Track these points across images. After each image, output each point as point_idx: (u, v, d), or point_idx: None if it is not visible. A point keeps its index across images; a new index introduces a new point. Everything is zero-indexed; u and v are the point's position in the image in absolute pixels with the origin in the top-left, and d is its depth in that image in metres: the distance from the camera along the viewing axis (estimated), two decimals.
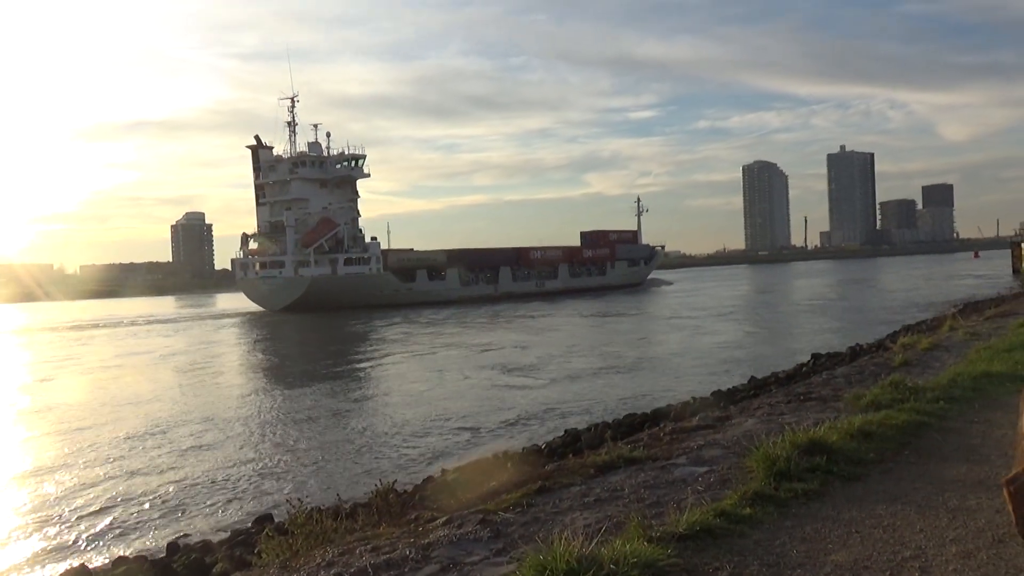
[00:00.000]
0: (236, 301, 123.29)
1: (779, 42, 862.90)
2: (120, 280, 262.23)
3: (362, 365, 43.22)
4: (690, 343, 46.07)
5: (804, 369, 31.16)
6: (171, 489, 21.27)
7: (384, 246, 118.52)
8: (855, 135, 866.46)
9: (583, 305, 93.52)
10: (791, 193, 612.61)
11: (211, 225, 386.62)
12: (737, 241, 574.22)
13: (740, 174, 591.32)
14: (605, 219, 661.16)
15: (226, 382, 39.91)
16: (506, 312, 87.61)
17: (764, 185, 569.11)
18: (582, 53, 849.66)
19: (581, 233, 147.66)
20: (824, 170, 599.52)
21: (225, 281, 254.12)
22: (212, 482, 21.87)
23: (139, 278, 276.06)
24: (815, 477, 10.72)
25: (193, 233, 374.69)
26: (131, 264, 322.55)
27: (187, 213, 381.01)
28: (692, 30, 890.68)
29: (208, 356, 53.03)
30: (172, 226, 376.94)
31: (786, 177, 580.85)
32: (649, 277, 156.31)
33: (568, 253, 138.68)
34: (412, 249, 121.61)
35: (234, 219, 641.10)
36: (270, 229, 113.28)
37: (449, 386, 34.42)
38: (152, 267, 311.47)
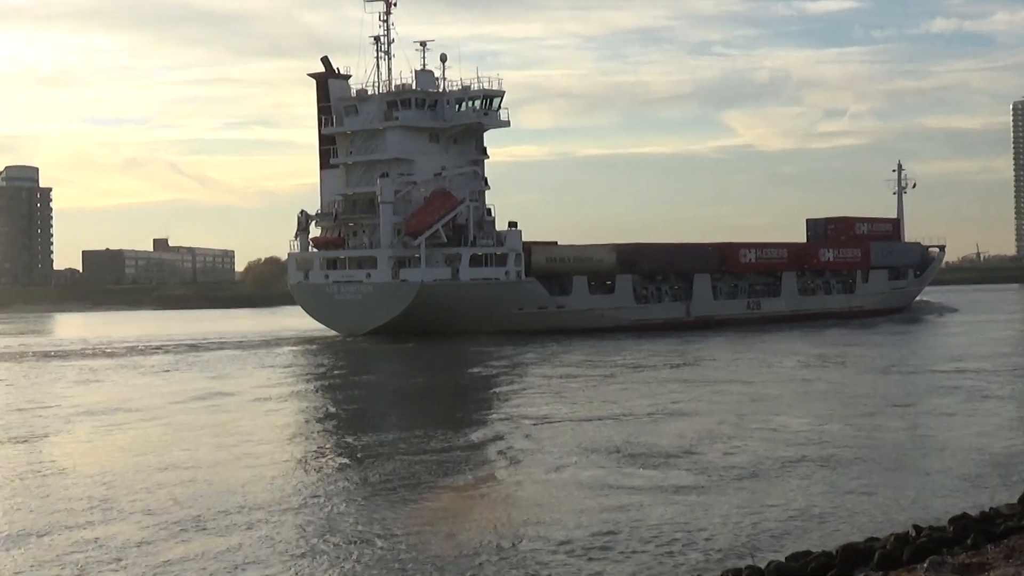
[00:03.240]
0: (274, 320, 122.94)
1: None
2: None
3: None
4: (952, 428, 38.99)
5: None
6: None
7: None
8: None
9: (833, 347, 78.85)
10: None
11: (49, 190, 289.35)
12: (1000, 239, 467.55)
13: (1009, 116, 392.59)
14: (764, 195, 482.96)
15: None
16: (720, 350, 77.10)
17: None
18: None
19: (809, 221, 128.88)
20: None
21: (74, 291, 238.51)
22: None
23: None
24: None
25: (17, 204, 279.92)
26: None
27: (7, 168, 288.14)
28: None
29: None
30: None
31: None
32: (918, 298, 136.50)
33: (797, 255, 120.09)
34: (558, 243, 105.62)
35: (94, 181, 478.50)
36: (347, 207, 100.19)
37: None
38: None
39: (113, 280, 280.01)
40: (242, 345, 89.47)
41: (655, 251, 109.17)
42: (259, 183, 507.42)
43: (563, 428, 39.37)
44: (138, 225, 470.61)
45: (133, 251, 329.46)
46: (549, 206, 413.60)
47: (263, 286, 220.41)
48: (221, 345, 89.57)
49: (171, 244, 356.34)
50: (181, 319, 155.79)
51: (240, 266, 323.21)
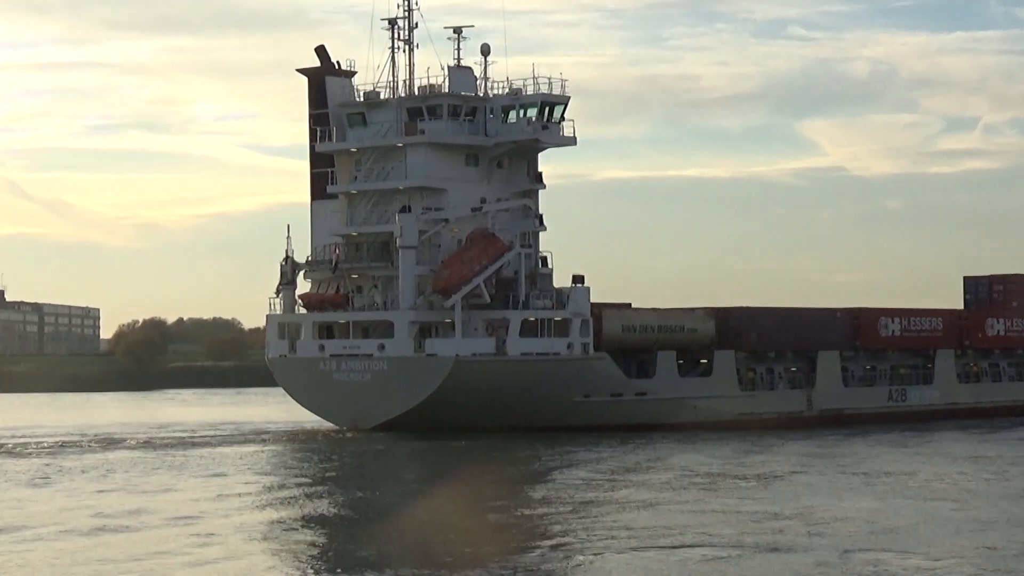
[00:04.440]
0: (158, 409, 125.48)
1: None
2: None
3: None
4: None
5: None
6: None
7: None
8: None
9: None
10: None
11: None
12: None
13: None
14: (859, 238, 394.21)
15: None
16: (879, 459, 73.46)
17: None
18: None
19: (969, 281, 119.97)
20: None
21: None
22: None
23: None
24: None
25: None
26: None
27: None
28: None
29: None
30: None
31: None
32: None
33: (954, 326, 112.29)
34: (633, 305, 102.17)
35: None
36: (351, 252, 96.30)
37: None
38: None
39: None
40: (186, 442, 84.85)
41: (767, 319, 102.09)
42: (138, 213, 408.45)
43: None
44: None
45: None
46: (571, 247, 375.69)
47: (140, 360, 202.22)
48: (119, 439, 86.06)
49: (9, 298, 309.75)
50: (22, 404, 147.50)
51: (107, 331, 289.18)
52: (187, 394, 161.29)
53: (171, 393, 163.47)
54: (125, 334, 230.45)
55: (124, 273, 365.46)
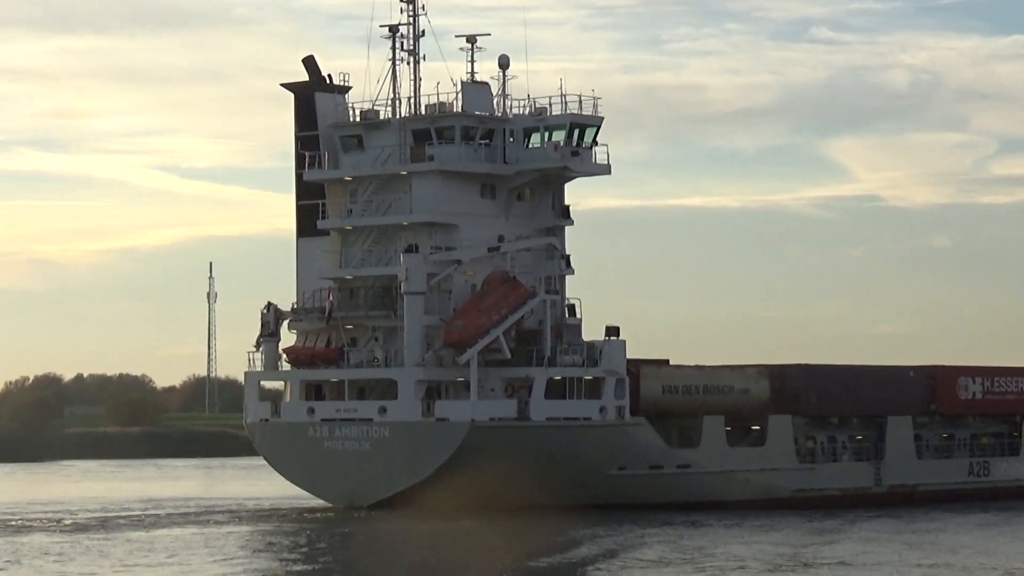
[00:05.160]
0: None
1: None
2: None
3: None
4: None
5: None
6: None
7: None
8: None
9: None
10: None
11: None
12: None
13: None
14: (902, 282, 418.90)
15: None
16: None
17: None
18: None
19: None
20: None
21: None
22: None
23: None
24: None
25: None
26: None
27: None
28: None
29: None
30: None
31: None
32: None
33: None
34: (670, 362, 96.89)
35: None
36: (346, 299, 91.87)
37: None
38: None
39: None
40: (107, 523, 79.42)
41: (829, 378, 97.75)
42: (30, 247, 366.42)
43: None
44: None
45: None
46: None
47: (29, 425, 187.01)
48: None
49: None
50: None
51: None
52: (88, 465, 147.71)
53: (67, 464, 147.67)
54: (12, 393, 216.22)
55: (12, 320, 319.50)
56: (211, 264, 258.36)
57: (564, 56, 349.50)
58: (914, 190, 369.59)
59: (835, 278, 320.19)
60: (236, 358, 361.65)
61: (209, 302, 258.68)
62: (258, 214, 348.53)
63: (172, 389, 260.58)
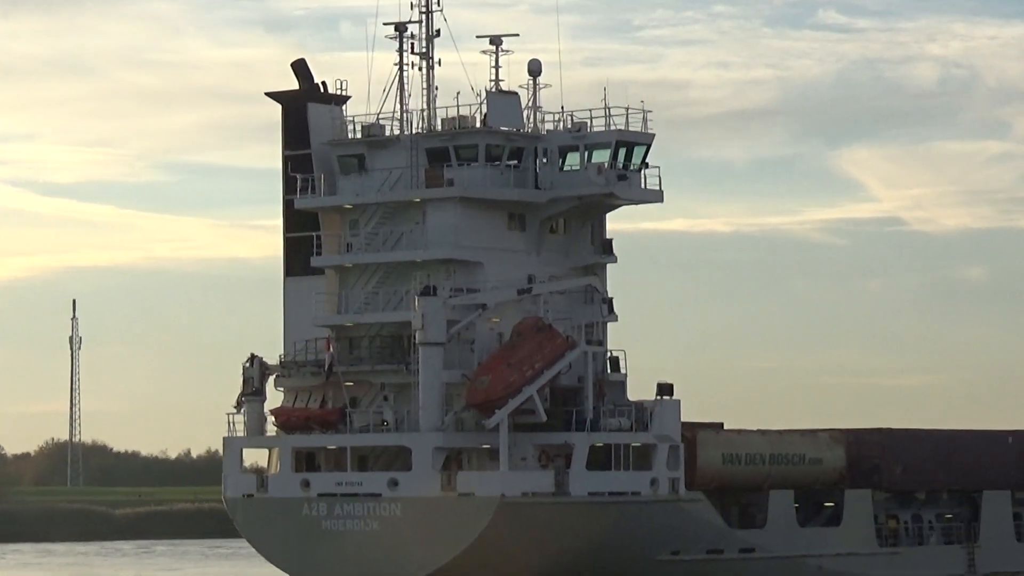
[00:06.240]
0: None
1: None
2: None
3: None
4: None
5: None
6: None
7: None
8: None
9: None
10: None
11: None
12: None
13: None
14: (934, 322, 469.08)
15: None
16: None
17: None
18: None
19: None
20: None
21: None
22: None
23: None
24: None
25: None
26: None
27: None
28: None
29: None
30: None
31: None
32: None
33: None
34: (725, 426, 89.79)
35: None
36: (346, 351, 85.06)
37: None
38: None
39: None
40: None
41: (916, 446, 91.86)
42: None
43: None
44: None
45: None
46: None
47: None
48: None
49: None
50: None
51: None
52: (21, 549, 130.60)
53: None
54: None
55: None
56: (74, 301, 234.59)
57: (514, 45, 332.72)
58: (943, 211, 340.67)
59: (844, 318, 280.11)
60: (107, 418, 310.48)
61: (72, 348, 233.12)
62: (133, 239, 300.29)
63: (26, 456, 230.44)
